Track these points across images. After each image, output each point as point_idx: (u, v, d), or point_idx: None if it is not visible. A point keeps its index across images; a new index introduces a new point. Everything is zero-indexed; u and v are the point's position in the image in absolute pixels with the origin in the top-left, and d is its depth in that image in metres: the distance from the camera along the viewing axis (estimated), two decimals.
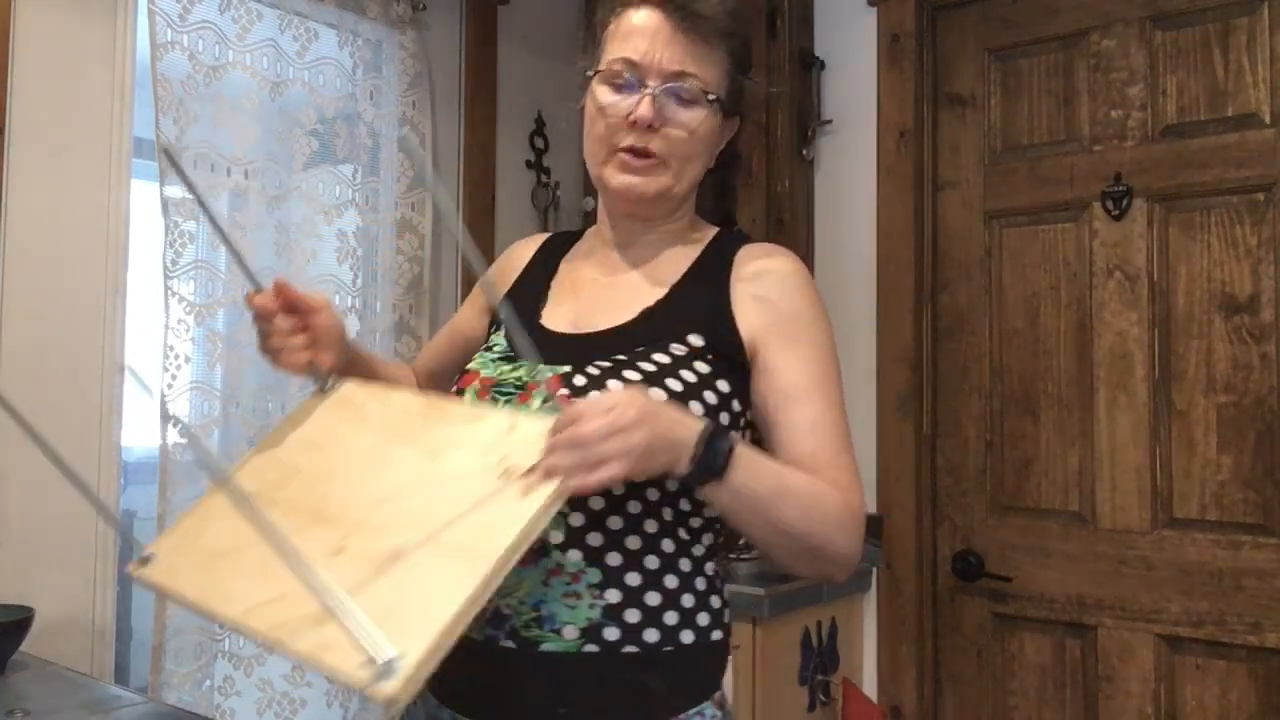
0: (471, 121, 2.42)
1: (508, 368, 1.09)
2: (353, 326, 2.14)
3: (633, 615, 0.99)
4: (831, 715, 2.24)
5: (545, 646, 0.98)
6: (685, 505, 1.03)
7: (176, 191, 1.86)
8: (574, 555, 0.99)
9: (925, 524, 2.33)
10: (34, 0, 1.73)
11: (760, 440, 1.09)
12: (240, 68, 1.96)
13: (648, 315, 1.09)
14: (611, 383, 1.02)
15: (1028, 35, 2.27)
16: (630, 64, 1.08)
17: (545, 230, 2.15)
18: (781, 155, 2.46)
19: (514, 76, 2.50)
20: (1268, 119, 1.99)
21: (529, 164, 2.56)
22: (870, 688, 2.36)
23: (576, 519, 0.99)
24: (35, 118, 1.73)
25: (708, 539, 1.07)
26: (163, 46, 1.83)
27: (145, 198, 1.89)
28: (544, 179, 2.57)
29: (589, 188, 2.63)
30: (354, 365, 1.15)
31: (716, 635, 1.06)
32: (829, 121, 2.50)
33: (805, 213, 2.50)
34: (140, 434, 2.12)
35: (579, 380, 1.03)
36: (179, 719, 1.36)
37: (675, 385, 1.02)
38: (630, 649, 0.99)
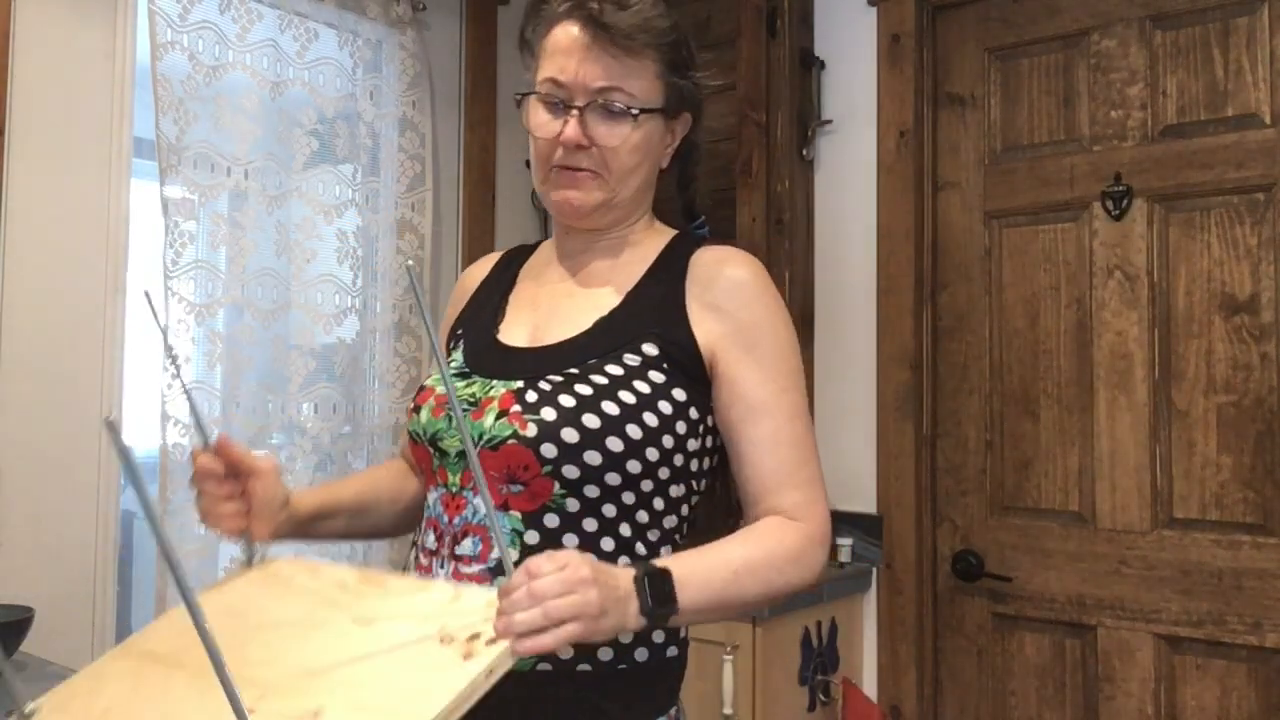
0: (471, 121, 2.42)
1: (462, 384, 1.08)
2: (352, 326, 2.15)
3: None
4: (831, 715, 2.24)
5: None
6: (643, 518, 1.03)
7: (177, 191, 1.86)
8: None
9: (925, 524, 2.33)
10: (34, 0, 1.73)
11: (723, 447, 1.08)
12: (240, 68, 1.96)
13: (602, 325, 1.08)
14: (563, 397, 1.00)
15: (1028, 35, 2.27)
16: (556, 84, 1.08)
17: (544, 231, 2.15)
18: (781, 155, 2.46)
19: (514, 76, 2.49)
20: (1268, 119, 1.99)
21: (529, 164, 2.55)
22: (870, 688, 2.36)
23: (531, 537, 0.99)
24: (35, 118, 1.73)
25: (665, 551, 1.05)
26: (163, 46, 1.83)
27: (145, 198, 1.89)
28: None
29: None
30: (307, 521, 1.12)
31: (672, 652, 1.05)
32: (829, 121, 2.50)
33: (805, 213, 2.50)
34: (140, 434, 2.13)
35: (530, 396, 1.02)
36: None
37: (628, 398, 1.01)
38: (584, 667, 0.98)
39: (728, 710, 2.03)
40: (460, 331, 1.19)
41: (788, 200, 2.45)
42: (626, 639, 1.00)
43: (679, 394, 1.04)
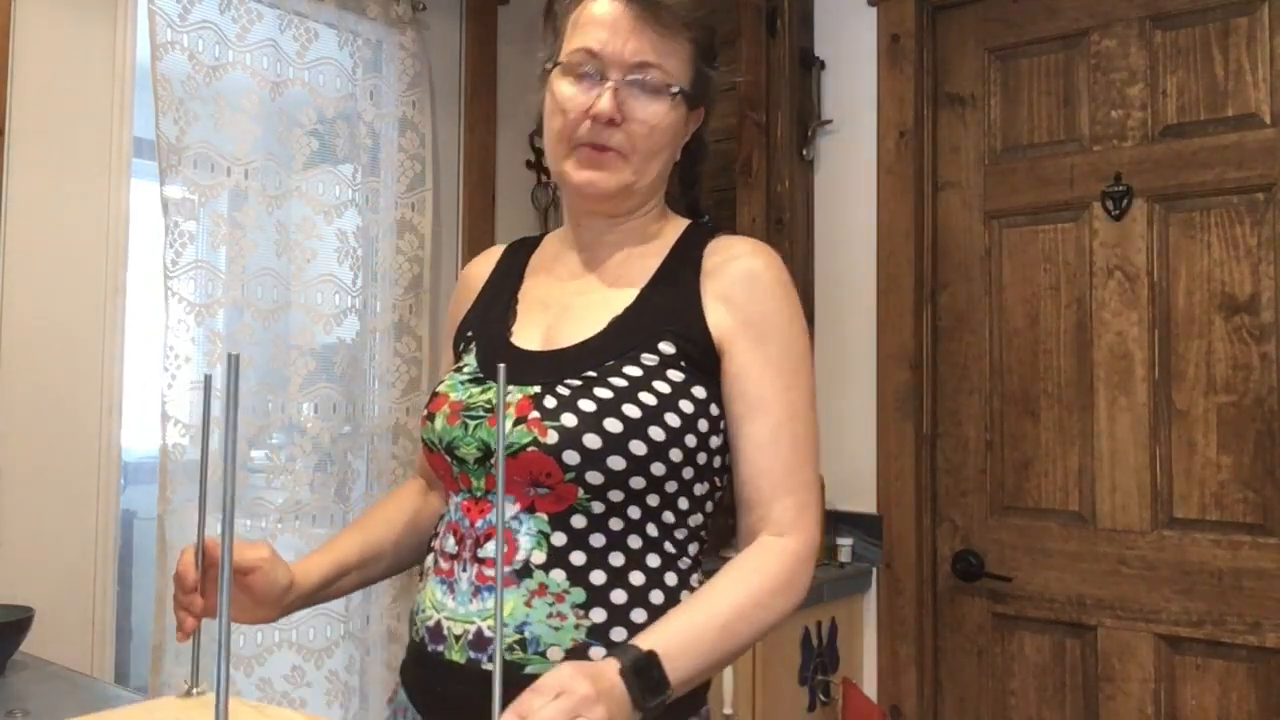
0: (471, 121, 2.42)
1: (477, 390, 1.05)
2: (352, 326, 2.15)
3: (619, 634, 0.97)
4: (831, 715, 2.24)
5: (530, 669, 0.95)
6: (669, 517, 1.02)
7: (177, 191, 1.86)
8: (557, 575, 0.97)
9: (925, 524, 2.33)
10: (34, 0, 1.73)
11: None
12: (240, 68, 1.96)
13: (617, 324, 1.05)
14: (583, 402, 0.98)
15: (1028, 35, 2.27)
16: (591, 54, 1.04)
17: (544, 230, 2.14)
18: (781, 155, 2.46)
19: (514, 76, 2.50)
20: (1268, 119, 1.99)
21: (529, 164, 2.56)
22: (870, 688, 2.36)
23: (559, 539, 0.98)
24: (35, 117, 1.73)
25: (693, 549, 1.05)
26: (163, 46, 1.83)
27: (145, 198, 1.89)
28: (544, 179, 2.57)
29: None
30: (316, 591, 1.12)
31: None
32: (829, 121, 2.50)
33: (805, 213, 2.50)
34: (140, 434, 2.13)
35: (549, 402, 0.99)
36: None
37: (649, 399, 0.99)
38: None
39: (728, 710, 2.03)
40: (470, 334, 1.16)
41: (788, 200, 2.45)
42: None
43: (699, 391, 1.02)
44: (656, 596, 1.00)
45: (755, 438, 1.03)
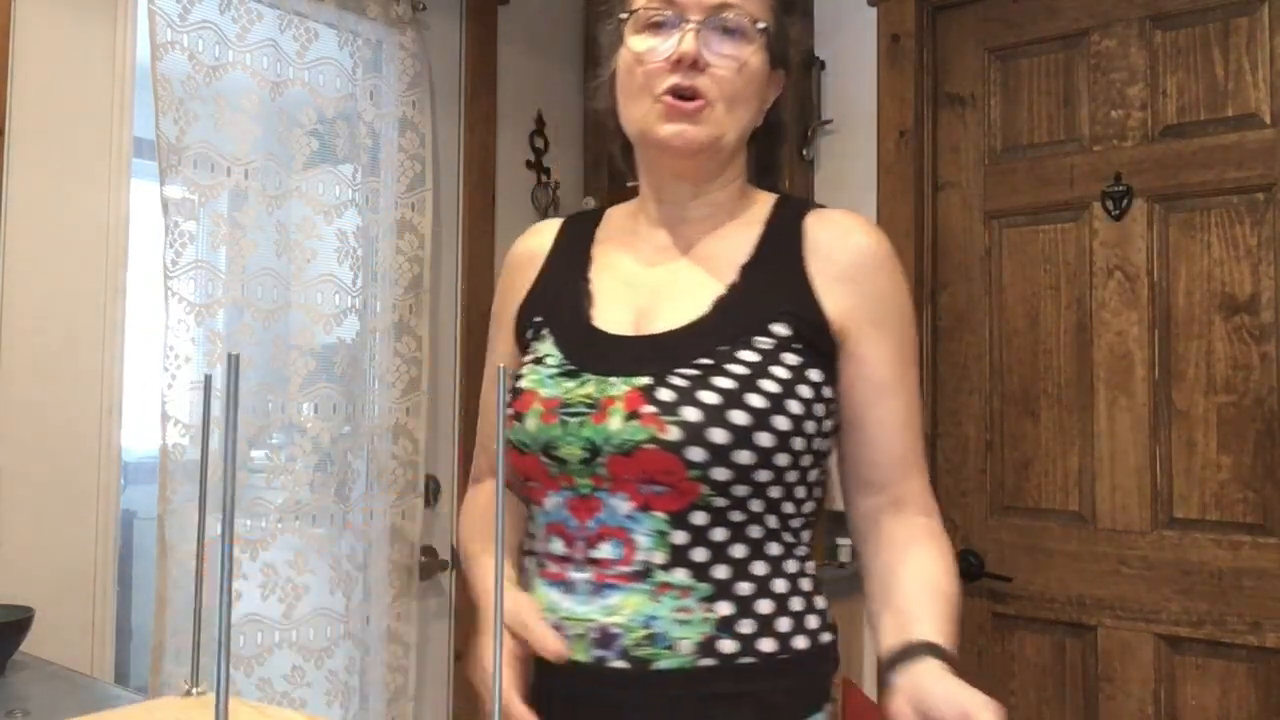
0: (471, 121, 2.42)
1: (572, 384, 0.98)
2: (352, 326, 2.15)
3: (746, 626, 0.95)
4: (832, 715, 2.24)
5: (659, 664, 0.93)
6: (789, 508, 0.99)
7: (177, 191, 1.86)
8: (680, 574, 0.94)
9: None
10: (34, 0, 1.73)
11: (839, 426, 1.04)
12: (240, 68, 1.96)
13: (721, 306, 0.99)
14: (703, 394, 0.93)
15: (1028, 35, 2.27)
16: (666, 1, 0.99)
17: None
18: (781, 155, 2.45)
19: (514, 76, 2.50)
20: (1268, 119, 1.99)
21: (529, 164, 2.56)
22: (870, 688, 2.36)
23: (679, 537, 0.94)
24: (35, 117, 1.73)
25: (807, 535, 1.02)
26: (163, 46, 1.83)
27: (145, 198, 1.89)
28: (544, 179, 2.57)
29: (589, 187, 2.63)
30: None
31: (826, 638, 1.03)
32: (829, 121, 2.50)
33: None
34: (140, 434, 2.13)
35: (663, 394, 0.94)
36: None
37: (770, 386, 0.94)
38: (747, 660, 0.95)
39: None
40: (540, 319, 1.07)
41: None
42: (785, 627, 0.98)
43: (814, 374, 0.98)
44: (779, 585, 0.98)
45: (886, 422, 1.02)
